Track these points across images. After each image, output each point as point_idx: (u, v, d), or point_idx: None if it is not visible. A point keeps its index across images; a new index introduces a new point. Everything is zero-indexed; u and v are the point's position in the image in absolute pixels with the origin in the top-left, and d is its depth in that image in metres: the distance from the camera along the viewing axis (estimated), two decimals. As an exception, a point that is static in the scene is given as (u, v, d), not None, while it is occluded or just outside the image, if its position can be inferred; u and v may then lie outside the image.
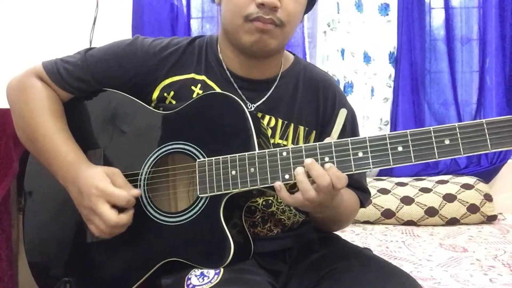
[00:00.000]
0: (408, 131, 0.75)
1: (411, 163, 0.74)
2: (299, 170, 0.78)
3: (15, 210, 1.41)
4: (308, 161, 0.77)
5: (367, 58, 2.30)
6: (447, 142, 0.73)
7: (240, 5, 0.87)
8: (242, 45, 0.91)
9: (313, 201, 0.78)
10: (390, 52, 2.28)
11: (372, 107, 2.30)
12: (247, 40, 0.89)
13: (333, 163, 0.77)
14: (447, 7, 2.26)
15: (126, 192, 0.84)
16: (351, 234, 1.87)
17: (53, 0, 2.27)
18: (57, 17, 2.25)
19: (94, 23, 2.25)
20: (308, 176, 0.78)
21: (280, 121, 0.98)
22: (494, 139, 0.71)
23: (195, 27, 2.43)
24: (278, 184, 0.79)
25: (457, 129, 0.72)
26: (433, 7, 2.31)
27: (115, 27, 2.28)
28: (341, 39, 2.28)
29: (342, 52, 2.29)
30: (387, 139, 0.75)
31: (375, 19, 2.29)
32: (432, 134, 0.73)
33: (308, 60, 2.30)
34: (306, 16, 2.29)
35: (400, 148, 0.75)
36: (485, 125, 0.71)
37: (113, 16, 2.30)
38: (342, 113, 0.87)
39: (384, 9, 2.29)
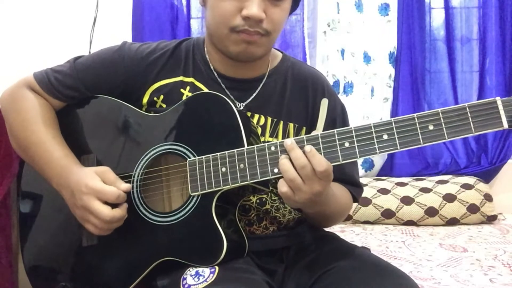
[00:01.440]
0: (392, 119, 0.76)
1: (396, 150, 0.75)
2: (283, 155, 0.79)
3: (15, 210, 1.42)
4: (288, 142, 0.78)
5: (367, 58, 2.30)
6: (431, 127, 0.74)
7: (226, 17, 0.87)
8: (228, 53, 0.93)
9: (298, 188, 0.77)
10: (390, 52, 2.28)
11: (372, 107, 2.30)
12: (233, 50, 0.90)
13: (321, 155, 0.78)
14: (447, 7, 2.26)
15: (115, 188, 0.85)
16: (351, 234, 1.87)
17: (53, 0, 2.28)
18: (57, 17, 2.25)
19: (94, 23, 2.26)
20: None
21: (269, 119, 0.98)
22: (477, 122, 0.72)
23: (195, 27, 2.43)
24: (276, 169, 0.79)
25: (440, 114, 0.73)
26: (433, 7, 2.31)
27: (115, 27, 2.28)
28: (341, 39, 2.28)
29: (342, 52, 2.28)
30: (372, 128, 0.76)
31: (375, 19, 2.29)
32: (416, 120, 0.74)
33: (308, 60, 2.30)
34: (306, 16, 2.32)
35: (385, 136, 0.76)
36: (467, 109, 0.72)
37: (113, 16, 2.30)
38: (324, 103, 0.88)
39: (384, 9, 2.29)
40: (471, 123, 0.72)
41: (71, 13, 2.27)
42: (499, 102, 0.71)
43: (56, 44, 2.16)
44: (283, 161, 0.78)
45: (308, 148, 0.77)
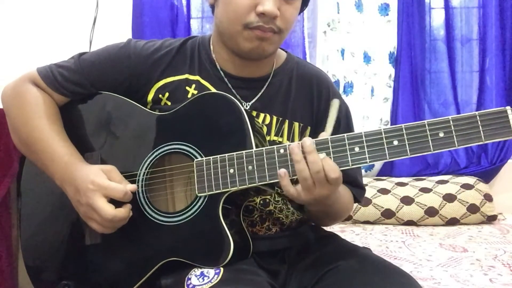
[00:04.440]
0: (403, 125, 0.76)
1: (407, 156, 0.76)
2: (295, 149, 0.78)
3: (15, 210, 1.42)
4: (307, 142, 0.78)
5: (367, 58, 2.30)
6: (441, 135, 0.74)
7: (240, 13, 0.87)
8: (240, 50, 0.92)
9: (309, 186, 0.78)
10: (390, 52, 2.28)
11: (372, 107, 2.30)
12: (245, 46, 0.90)
13: (331, 159, 0.78)
14: (447, 7, 2.26)
15: (122, 186, 0.85)
16: (351, 234, 1.87)
17: (53, 0, 2.27)
18: (57, 17, 2.25)
19: (94, 23, 2.25)
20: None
21: (274, 118, 0.98)
22: (487, 131, 0.72)
23: (195, 27, 2.43)
24: (282, 170, 0.79)
25: (451, 121, 0.74)
26: (433, 7, 2.31)
27: (115, 27, 2.27)
28: (341, 39, 2.28)
29: (342, 52, 2.28)
30: (383, 133, 0.77)
31: (375, 19, 2.29)
32: (427, 127, 0.75)
33: (308, 60, 2.30)
34: (306, 16, 2.33)
35: (395, 142, 0.76)
36: (478, 117, 0.73)
37: (113, 16, 2.29)
38: (335, 104, 0.88)
39: (384, 9, 2.29)
40: (481, 131, 0.72)
41: (71, 13, 2.27)
42: (509, 111, 0.72)
43: (56, 44, 2.15)
44: (301, 161, 0.78)
45: (323, 155, 0.78)
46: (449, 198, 2.00)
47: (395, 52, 2.28)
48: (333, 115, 0.86)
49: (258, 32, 0.88)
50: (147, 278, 0.88)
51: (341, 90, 2.26)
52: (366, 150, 0.77)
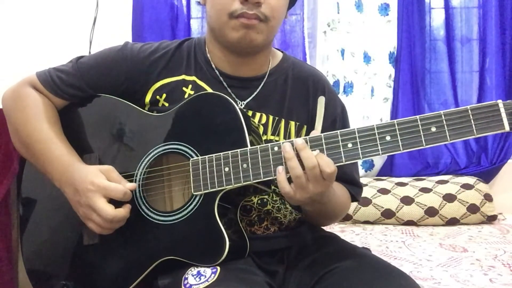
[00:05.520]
0: (395, 120, 0.77)
1: (399, 152, 0.76)
2: (287, 147, 0.79)
3: (15, 210, 1.42)
4: (299, 141, 0.79)
5: (367, 58, 2.30)
6: (433, 129, 0.74)
7: (224, 3, 0.89)
8: (229, 42, 0.93)
9: (302, 184, 0.78)
10: (390, 52, 2.28)
11: (372, 107, 2.30)
12: (233, 36, 0.91)
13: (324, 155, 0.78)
14: (447, 7, 2.26)
15: (121, 186, 0.85)
16: (351, 234, 1.87)
17: (53, 0, 2.28)
18: (57, 17, 2.25)
19: (94, 23, 2.25)
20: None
21: (271, 117, 0.99)
22: (479, 125, 0.73)
23: (195, 27, 2.43)
24: (280, 167, 0.80)
25: (443, 116, 0.74)
26: (433, 7, 2.31)
27: (115, 27, 2.28)
28: (341, 39, 2.28)
29: (342, 52, 2.29)
30: (375, 129, 0.77)
31: (375, 19, 2.29)
32: (419, 122, 0.75)
33: (308, 60, 2.30)
34: (306, 16, 2.32)
35: (388, 138, 0.76)
36: (469, 111, 0.73)
37: (113, 16, 2.30)
38: (321, 101, 0.89)
39: (384, 9, 2.29)
40: (473, 125, 0.73)
41: (71, 13, 2.27)
42: (500, 105, 0.72)
43: (56, 44, 2.15)
44: (293, 158, 0.78)
45: (316, 152, 0.78)
46: (449, 198, 2.00)
47: (395, 52, 2.29)
48: (321, 112, 0.87)
49: (243, 20, 0.89)
50: (144, 277, 0.88)
51: (341, 90, 2.26)
52: (359, 146, 0.78)
